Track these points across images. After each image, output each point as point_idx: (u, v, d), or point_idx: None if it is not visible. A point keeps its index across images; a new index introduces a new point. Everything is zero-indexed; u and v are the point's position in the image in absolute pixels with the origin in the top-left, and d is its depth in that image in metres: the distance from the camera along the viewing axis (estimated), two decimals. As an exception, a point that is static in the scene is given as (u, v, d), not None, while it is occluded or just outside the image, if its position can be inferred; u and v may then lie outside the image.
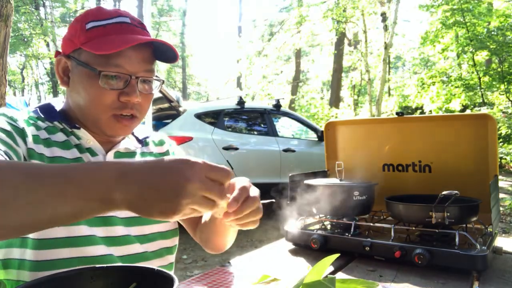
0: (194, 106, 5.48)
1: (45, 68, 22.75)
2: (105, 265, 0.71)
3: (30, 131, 0.85)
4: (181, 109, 5.14)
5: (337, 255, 0.55)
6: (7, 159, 0.73)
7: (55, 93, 20.40)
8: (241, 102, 5.69)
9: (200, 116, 5.23)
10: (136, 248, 0.90)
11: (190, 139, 4.85)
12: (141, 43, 0.86)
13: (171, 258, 0.98)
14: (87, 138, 0.92)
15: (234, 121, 5.82)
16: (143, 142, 1.05)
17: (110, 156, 0.94)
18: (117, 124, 0.88)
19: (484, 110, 9.22)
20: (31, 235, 0.79)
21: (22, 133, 0.83)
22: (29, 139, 0.84)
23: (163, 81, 0.95)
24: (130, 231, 0.90)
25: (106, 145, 0.95)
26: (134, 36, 0.86)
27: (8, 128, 0.81)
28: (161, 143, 1.09)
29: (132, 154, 0.99)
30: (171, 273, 0.58)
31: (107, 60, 0.84)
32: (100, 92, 0.85)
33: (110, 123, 0.88)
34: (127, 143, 1.00)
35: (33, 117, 0.91)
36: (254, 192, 0.71)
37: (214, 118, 5.40)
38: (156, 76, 0.93)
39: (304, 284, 0.49)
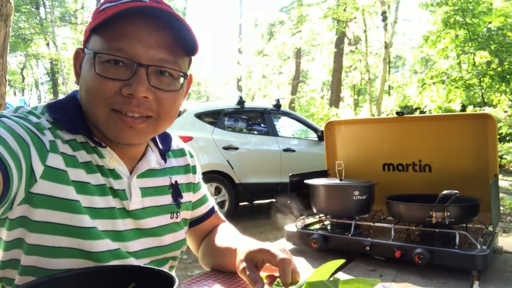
0: (194, 106, 5.49)
1: (45, 68, 22.78)
2: (105, 265, 0.71)
3: (58, 145, 0.73)
4: (181, 108, 5.14)
5: (342, 260, 0.55)
6: (1, 174, 0.59)
7: (55, 93, 20.41)
8: (241, 102, 5.70)
9: (200, 116, 5.23)
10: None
11: (190, 139, 4.85)
12: (159, 28, 0.70)
13: (175, 262, 0.96)
14: (110, 156, 0.78)
15: (234, 121, 5.83)
16: (165, 156, 0.90)
17: (133, 180, 0.81)
18: (119, 123, 0.71)
19: (487, 110, 9.23)
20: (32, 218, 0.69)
21: (42, 148, 0.69)
22: (53, 156, 0.71)
23: (187, 75, 0.77)
24: (143, 244, 0.83)
25: (129, 163, 0.82)
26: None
27: (26, 136, 0.67)
28: (182, 153, 0.96)
29: (153, 172, 0.86)
30: (171, 273, 0.57)
31: (110, 42, 0.69)
32: (98, 81, 0.70)
33: (109, 122, 0.71)
34: (151, 158, 0.85)
35: (53, 126, 0.75)
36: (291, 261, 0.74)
37: (214, 118, 5.41)
38: (180, 70, 0.75)
39: (308, 283, 0.49)
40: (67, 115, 0.76)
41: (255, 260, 0.78)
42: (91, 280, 0.60)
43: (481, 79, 10.52)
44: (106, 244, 0.75)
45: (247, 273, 0.76)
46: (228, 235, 0.96)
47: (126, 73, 0.70)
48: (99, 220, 0.75)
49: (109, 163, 0.78)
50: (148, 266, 0.62)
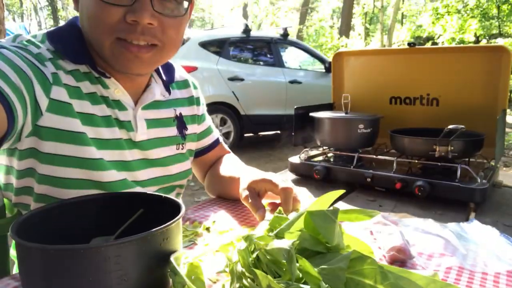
0: (198, 34, 5.32)
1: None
2: (113, 192, 0.73)
3: (60, 76, 0.72)
4: (184, 36, 4.99)
5: (342, 191, 0.57)
6: (4, 110, 0.59)
7: (56, 19, 19.74)
8: (247, 30, 5.50)
9: (204, 45, 5.09)
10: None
11: (194, 69, 4.77)
12: None
13: (182, 190, 0.99)
14: (115, 87, 0.77)
15: (239, 51, 5.68)
16: (169, 87, 0.89)
17: (139, 112, 0.81)
18: (125, 53, 0.70)
19: (500, 41, 8.86)
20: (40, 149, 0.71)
21: (44, 81, 0.68)
22: (57, 88, 0.70)
23: (192, 0, 0.75)
24: (150, 173, 0.85)
25: (134, 94, 0.81)
26: None
27: (27, 69, 0.66)
28: (185, 85, 0.95)
29: (158, 104, 0.86)
30: (178, 199, 0.59)
31: None
32: (99, 7, 0.67)
33: (115, 51, 0.70)
34: (155, 89, 0.84)
35: (54, 55, 0.73)
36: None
37: (219, 47, 5.26)
38: None
39: (308, 212, 0.51)
40: (69, 43, 0.75)
41: (258, 189, 0.81)
42: (99, 206, 0.63)
43: (500, 7, 9.96)
44: (114, 174, 0.77)
45: (250, 200, 0.79)
46: (232, 165, 0.98)
47: None
48: (106, 151, 0.76)
49: (114, 93, 0.78)
50: (155, 193, 0.64)
